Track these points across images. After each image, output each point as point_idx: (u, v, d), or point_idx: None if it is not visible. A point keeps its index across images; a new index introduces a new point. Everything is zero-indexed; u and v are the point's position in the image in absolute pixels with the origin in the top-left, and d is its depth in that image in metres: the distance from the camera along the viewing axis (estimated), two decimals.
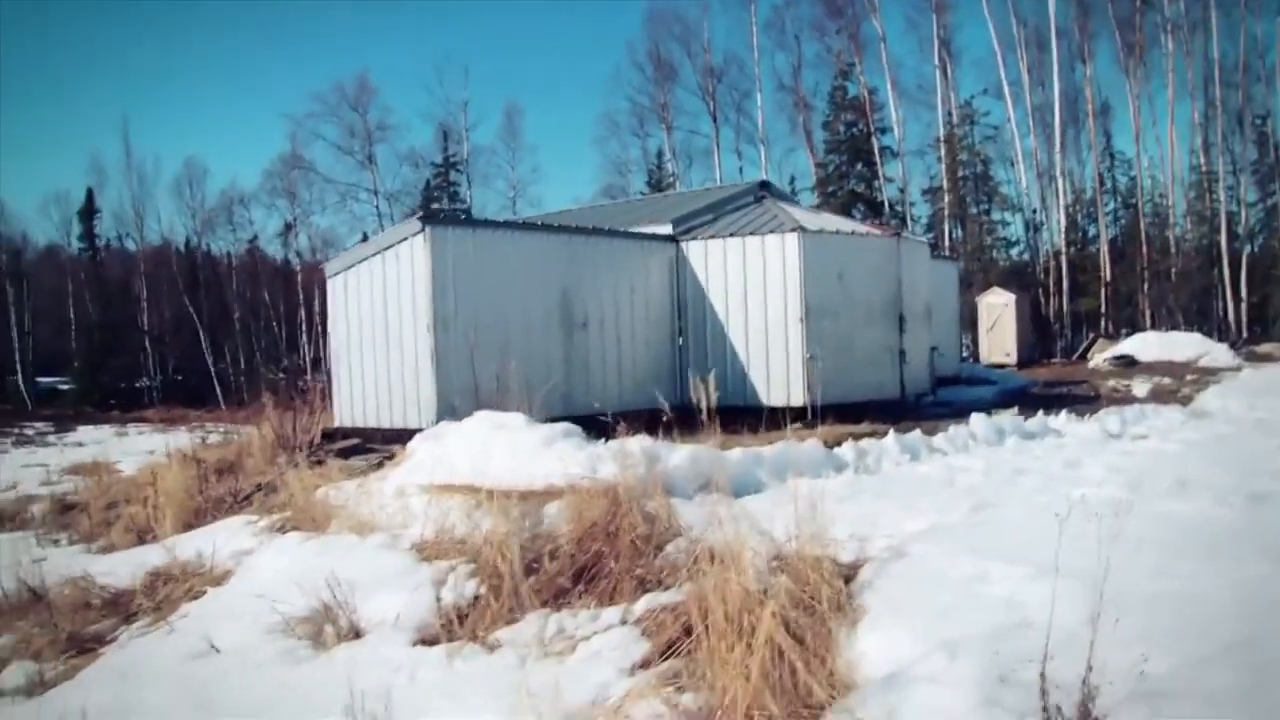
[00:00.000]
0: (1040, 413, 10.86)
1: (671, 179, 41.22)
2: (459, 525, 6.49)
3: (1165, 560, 4.11)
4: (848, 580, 4.54)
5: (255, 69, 68.45)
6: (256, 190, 46.42)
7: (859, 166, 38.04)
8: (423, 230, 11.66)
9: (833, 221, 15.39)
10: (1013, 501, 6.01)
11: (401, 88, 74.16)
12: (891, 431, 8.89)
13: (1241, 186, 37.18)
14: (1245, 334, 33.75)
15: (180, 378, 43.51)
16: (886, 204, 37.27)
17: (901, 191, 38.33)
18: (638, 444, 7.20)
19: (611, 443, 7.03)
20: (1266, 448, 7.79)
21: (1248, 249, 36.63)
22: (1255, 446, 7.92)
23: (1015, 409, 14.96)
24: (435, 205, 42.59)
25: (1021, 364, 26.98)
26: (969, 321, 28.69)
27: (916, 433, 8.95)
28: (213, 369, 42.32)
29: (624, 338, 13.49)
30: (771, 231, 13.60)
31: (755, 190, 16.47)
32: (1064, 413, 10.85)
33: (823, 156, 39.06)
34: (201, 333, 42.82)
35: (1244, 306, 34.77)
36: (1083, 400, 16.14)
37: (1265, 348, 31.21)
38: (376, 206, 43.10)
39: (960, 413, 14.66)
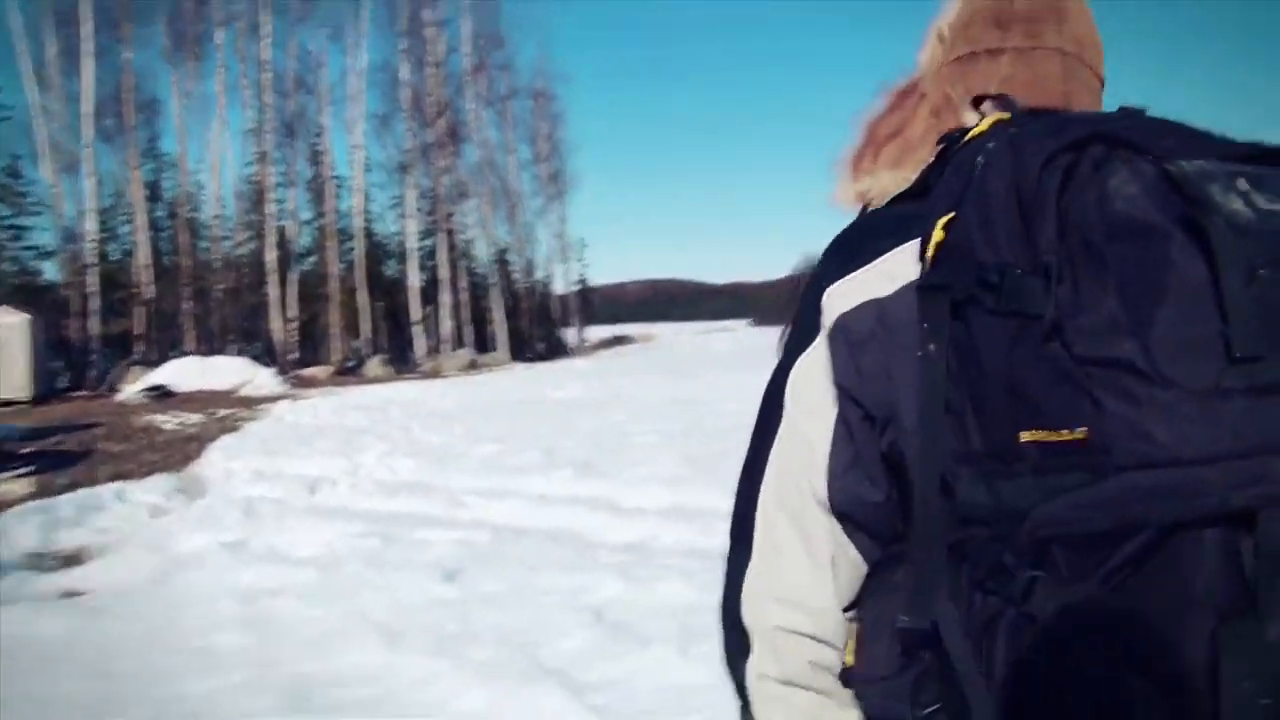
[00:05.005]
0: None
1: None
2: None
3: None
4: None
5: None
6: None
7: None
8: None
9: None
10: None
11: None
12: None
13: (293, 200, 36.91)
14: (294, 355, 33.33)
15: None
16: None
17: None
18: None
19: None
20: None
21: (299, 266, 36.40)
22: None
23: None
24: None
25: (39, 399, 22.09)
26: None
27: None
28: None
29: None
30: None
31: None
32: None
33: None
34: None
35: (294, 326, 34.32)
36: (66, 459, 12.32)
37: (311, 370, 31.06)
38: None
39: None
